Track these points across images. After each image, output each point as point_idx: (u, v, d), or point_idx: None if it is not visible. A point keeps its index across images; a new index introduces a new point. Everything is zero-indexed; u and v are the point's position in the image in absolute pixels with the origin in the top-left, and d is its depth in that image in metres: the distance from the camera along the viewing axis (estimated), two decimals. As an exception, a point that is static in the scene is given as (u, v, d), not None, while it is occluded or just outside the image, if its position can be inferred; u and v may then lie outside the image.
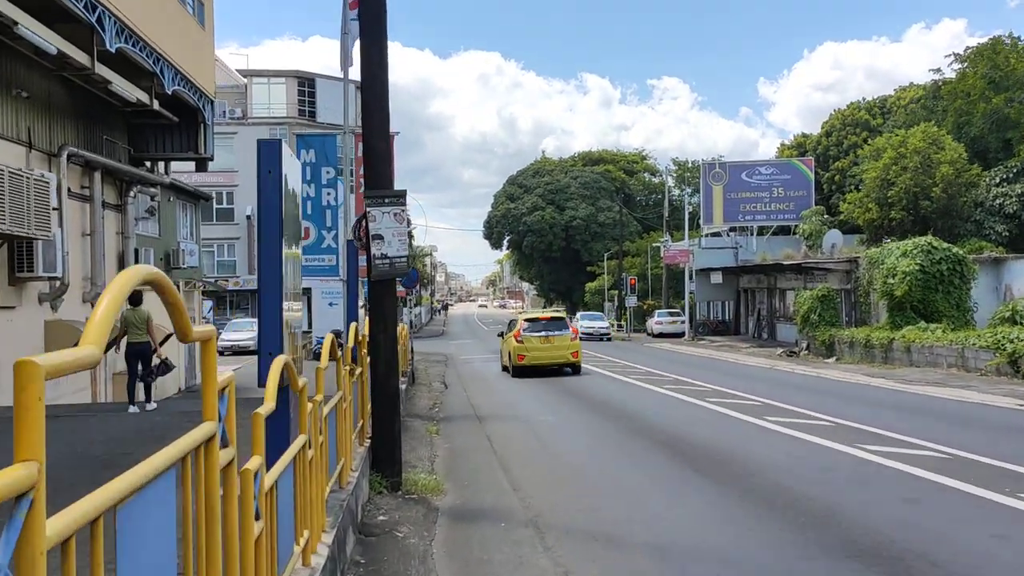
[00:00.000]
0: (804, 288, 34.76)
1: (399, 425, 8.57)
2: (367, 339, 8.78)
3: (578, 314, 49.09)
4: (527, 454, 11.11)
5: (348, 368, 7.36)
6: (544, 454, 11.08)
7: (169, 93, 17.11)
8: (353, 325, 8.58)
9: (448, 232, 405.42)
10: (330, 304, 36.94)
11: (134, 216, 20.04)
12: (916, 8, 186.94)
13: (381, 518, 7.37)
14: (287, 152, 6.71)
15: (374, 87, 8.63)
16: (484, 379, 24.34)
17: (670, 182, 64.08)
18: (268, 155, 6.04)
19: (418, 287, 68.93)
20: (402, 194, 8.63)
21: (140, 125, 20.16)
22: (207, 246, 55.17)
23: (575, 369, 24.19)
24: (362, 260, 10.46)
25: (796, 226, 44.25)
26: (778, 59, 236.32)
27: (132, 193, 19.51)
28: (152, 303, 21.22)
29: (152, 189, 20.46)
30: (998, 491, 7.72)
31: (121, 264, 19.33)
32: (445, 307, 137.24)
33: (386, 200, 8.47)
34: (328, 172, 16.31)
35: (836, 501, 7.64)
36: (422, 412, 16.24)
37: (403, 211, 8.59)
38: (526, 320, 25.18)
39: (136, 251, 19.67)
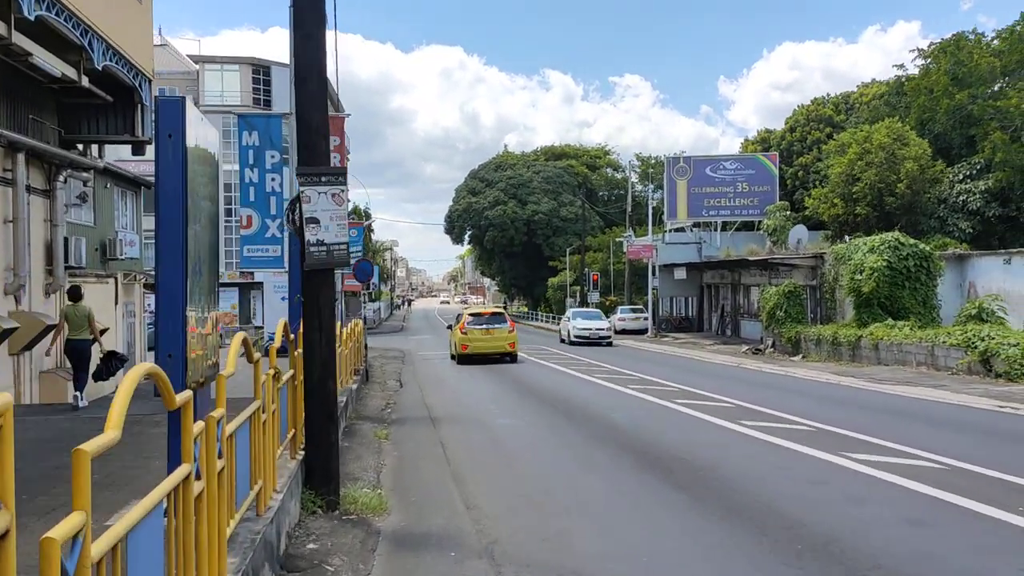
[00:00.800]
0: (769, 284, 34.19)
1: (337, 436, 7.50)
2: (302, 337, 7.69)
3: (569, 311, 47.57)
4: (484, 464, 10.09)
5: (272, 372, 6.27)
6: (502, 464, 10.07)
7: (99, 68, 15.75)
8: (282, 321, 7.48)
9: (410, 227, 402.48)
10: (282, 298, 35.64)
11: (64, 202, 18.63)
12: (871, 10, 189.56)
13: (311, 546, 6.31)
14: (195, 114, 5.58)
15: (308, 49, 7.53)
16: (440, 378, 23.29)
17: (633, 177, 63.47)
18: (168, 115, 5.08)
19: (377, 281, 67.57)
20: (341, 172, 7.55)
21: (72, 105, 18.73)
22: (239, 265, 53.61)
23: (512, 358, 27.40)
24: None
25: (760, 222, 43.75)
26: (738, 58, 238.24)
27: (62, 177, 18.10)
28: (92, 298, 19.83)
29: (85, 174, 19.05)
30: (1012, 511, 6.88)
31: (49, 253, 17.94)
32: (409, 302, 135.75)
33: (323, 179, 7.38)
34: (273, 156, 15.16)
35: (833, 523, 6.73)
36: (373, 414, 15.15)
37: (343, 192, 7.52)
38: (470, 315, 28.27)
39: (66, 240, 18.28)
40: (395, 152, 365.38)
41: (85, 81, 16.33)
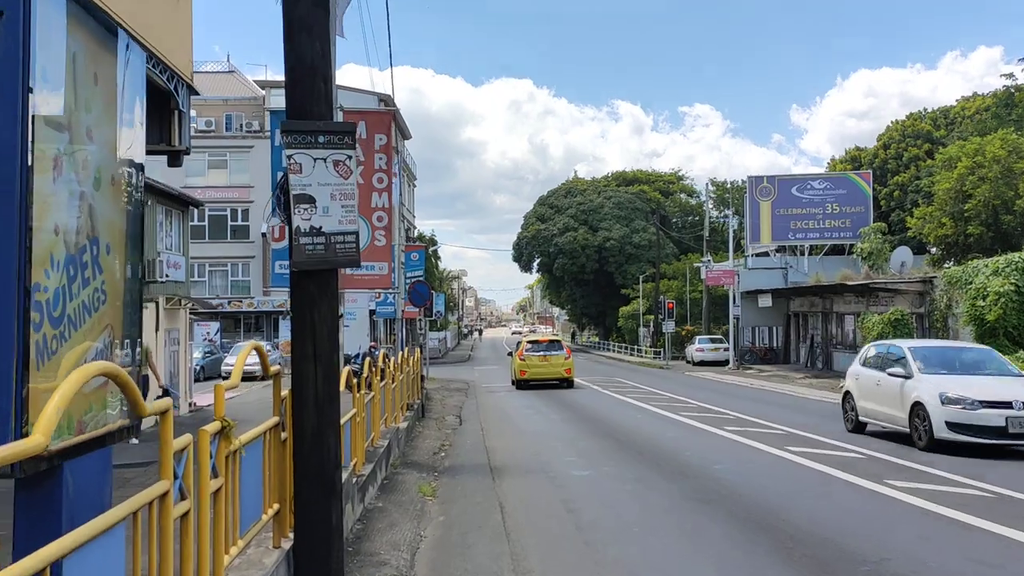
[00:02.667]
0: (867, 312, 30.94)
1: (340, 515, 5.13)
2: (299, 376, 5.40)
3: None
4: (555, 540, 7.63)
5: (223, 425, 3.96)
6: (583, 542, 7.58)
7: (122, 64, 13.99)
8: (247, 347, 5.22)
9: (479, 258, 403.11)
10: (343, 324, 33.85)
11: (94, 218, 16.94)
12: (951, 35, 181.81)
13: None
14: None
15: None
16: (505, 413, 20.87)
17: (708, 204, 60.40)
18: None
19: (443, 310, 65.73)
20: (348, 130, 5.31)
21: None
22: (220, 265, 52.61)
23: (568, 384, 28.10)
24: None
25: (853, 245, 40.38)
26: (811, 86, 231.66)
27: (89, 190, 16.41)
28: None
29: (117, 187, 17.36)
30: None
31: (74, 274, 16.23)
32: (479, 332, 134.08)
33: (320, 139, 5.15)
34: (309, 158, 13.03)
35: None
36: (423, 459, 12.82)
37: (350, 159, 5.26)
38: (528, 342, 29.43)
39: (93, 259, 16.50)
40: (465, 184, 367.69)
41: (108, 79, 14.63)
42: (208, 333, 41.81)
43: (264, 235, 50.75)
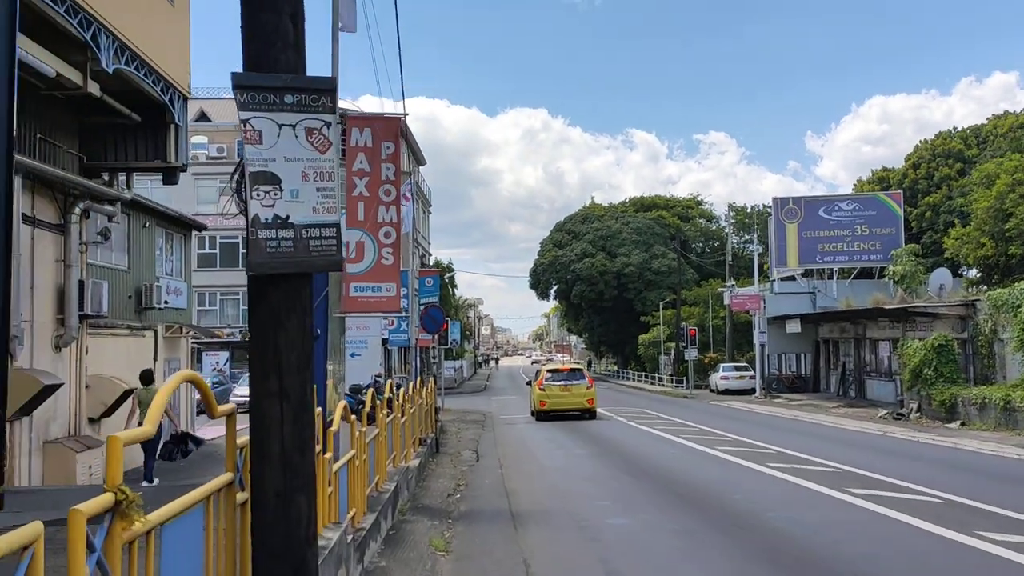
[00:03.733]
0: (905, 338, 29.36)
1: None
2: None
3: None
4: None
5: (118, 498, 2.61)
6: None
7: (108, 70, 12.85)
8: (176, 378, 3.88)
9: (494, 287, 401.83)
10: (351, 355, 32.47)
11: (83, 240, 15.83)
12: (965, 62, 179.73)
13: None
14: None
15: None
16: (526, 447, 19.43)
17: (729, 227, 58.96)
18: None
19: (459, 339, 64.31)
20: (326, 88, 3.99)
21: (95, 128, 16.07)
22: (232, 293, 51.49)
23: (591, 414, 26.43)
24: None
25: (884, 268, 38.82)
26: (825, 113, 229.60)
27: (78, 210, 15.30)
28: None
29: (108, 207, 16.19)
30: None
31: (61, 298, 15.06)
32: (496, 360, 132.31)
33: (287, 98, 3.83)
34: (309, 168, 11.79)
35: None
36: (435, 502, 11.44)
37: (328, 127, 3.96)
38: (548, 371, 28.07)
39: (81, 283, 15.36)
40: (480, 213, 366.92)
41: (94, 89, 13.46)
42: (217, 363, 40.65)
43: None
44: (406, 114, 11.97)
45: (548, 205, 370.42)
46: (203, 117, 51.21)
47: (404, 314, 23.89)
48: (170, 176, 16.75)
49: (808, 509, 10.12)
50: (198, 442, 13.02)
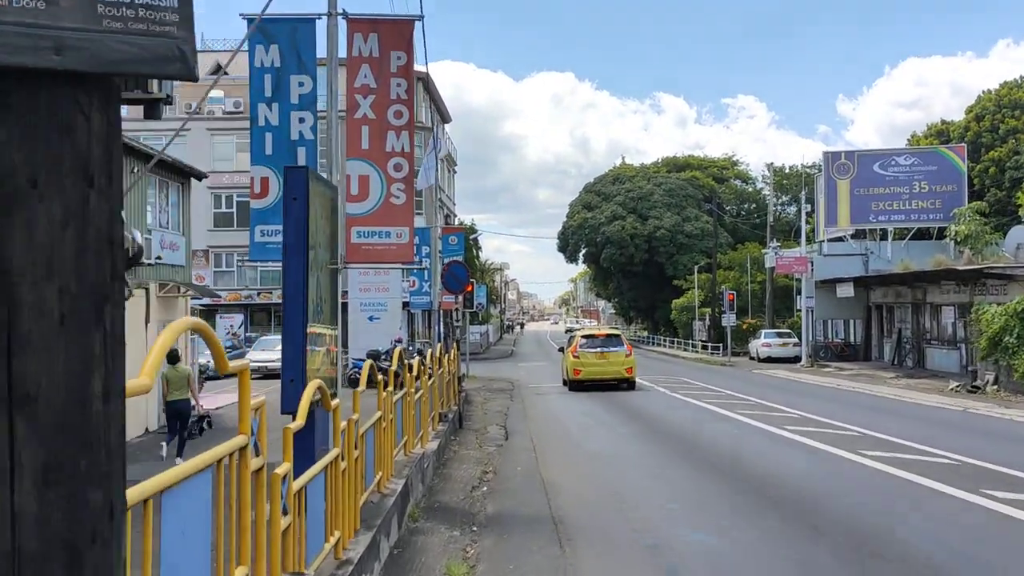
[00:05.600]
0: (979, 302, 26.66)
1: None
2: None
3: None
4: None
5: None
6: None
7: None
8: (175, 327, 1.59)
9: (520, 252, 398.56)
10: (370, 318, 30.30)
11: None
12: (1002, 23, 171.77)
13: None
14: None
15: None
16: (562, 424, 17.15)
17: (769, 187, 55.92)
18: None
19: (484, 303, 62.07)
20: None
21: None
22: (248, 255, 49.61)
23: (630, 384, 24.44)
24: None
25: (946, 228, 35.91)
26: (858, 76, 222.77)
27: (42, 146, 12.99)
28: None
29: (82, 145, 13.92)
30: None
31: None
32: (520, 325, 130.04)
33: None
34: (302, 83, 9.49)
35: None
36: (457, 500, 9.20)
37: None
38: (583, 336, 25.84)
39: (47, 232, 13.07)
40: (507, 178, 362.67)
41: None
42: (232, 326, 38.78)
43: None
44: (422, 16, 9.52)
45: (575, 171, 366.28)
46: (218, 69, 48.88)
47: (420, 266, 21.73)
48: (152, 109, 14.42)
49: (947, 522, 7.73)
50: (208, 422, 13.41)
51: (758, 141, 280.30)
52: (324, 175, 8.51)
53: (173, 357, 13.40)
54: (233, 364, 3.32)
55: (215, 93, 47.21)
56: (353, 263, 9.53)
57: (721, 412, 17.75)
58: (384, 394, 7.66)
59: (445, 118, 62.61)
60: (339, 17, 9.30)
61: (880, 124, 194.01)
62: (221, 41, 49.40)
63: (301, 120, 9.49)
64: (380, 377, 7.37)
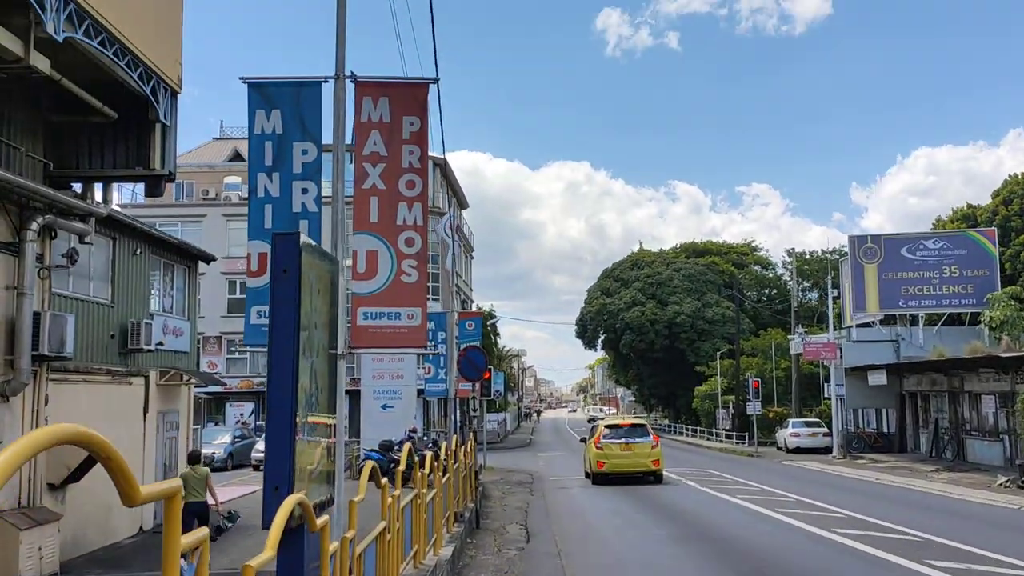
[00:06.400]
0: (1016, 391, 25.28)
1: None
2: None
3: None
4: None
5: None
6: None
7: (57, 39, 9.88)
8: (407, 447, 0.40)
9: (537, 339, 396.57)
10: (383, 407, 29.13)
11: (44, 263, 12.91)
12: (1011, 113, 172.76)
13: None
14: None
15: None
16: (588, 524, 15.79)
17: (791, 272, 54.89)
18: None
19: (502, 390, 60.60)
20: None
21: (66, 129, 13.25)
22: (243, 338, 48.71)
23: (657, 478, 23.34)
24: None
25: (980, 313, 34.67)
26: (870, 164, 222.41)
27: (35, 225, 12.37)
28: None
29: (79, 224, 13.22)
30: None
31: (11, 334, 12.04)
32: (537, 413, 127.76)
33: None
34: (306, 151, 8.70)
35: None
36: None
37: None
38: (606, 426, 24.78)
39: (37, 315, 12.32)
40: (524, 265, 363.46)
41: (42, 65, 10.49)
42: (242, 415, 37.66)
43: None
44: (436, 79, 8.77)
45: (591, 257, 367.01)
46: (237, 157, 49.10)
47: (434, 351, 20.68)
48: (154, 186, 13.74)
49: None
50: (234, 518, 13.42)
51: (773, 228, 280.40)
52: (327, 248, 7.61)
53: (194, 458, 13.36)
54: (147, 491, 2.41)
55: (231, 179, 47.27)
56: (359, 348, 8.54)
57: (760, 511, 16.34)
58: (390, 500, 6.55)
59: (462, 204, 62.59)
60: (347, 80, 8.56)
61: (894, 211, 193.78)
62: (239, 128, 49.66)
63: (304, 191, 8.66)
64: (384, 481, 6.28)
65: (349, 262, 8.83)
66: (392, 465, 13.44)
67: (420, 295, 8.67)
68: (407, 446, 7.99)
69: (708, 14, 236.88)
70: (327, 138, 8.52)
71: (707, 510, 16.95)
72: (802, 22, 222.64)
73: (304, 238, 5.52)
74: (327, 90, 8.66)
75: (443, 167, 51.43)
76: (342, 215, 8.44)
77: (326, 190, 8.56)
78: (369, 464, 5.76)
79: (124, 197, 47.22)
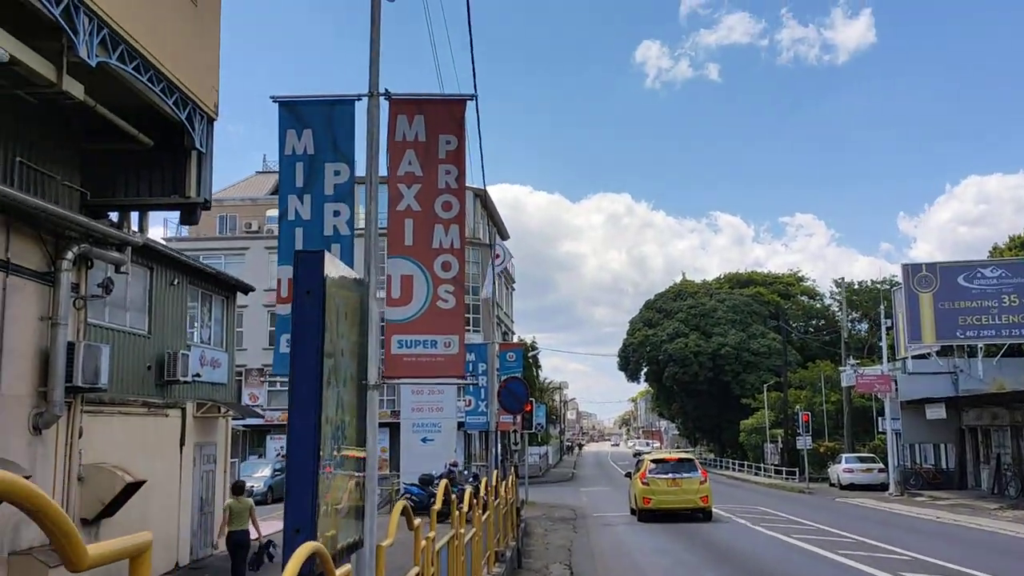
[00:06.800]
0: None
1: None
2: None
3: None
4: None
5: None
6: None
7: (91, 63, 9.71)
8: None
9: (578, 372, 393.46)
10: (423, 440, 28.64)
11: (80, 293, 12.70)
12: None
13: None
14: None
15: None
16: (638, 567, 15.04)
17: (841, 303, 53.43)
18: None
19: (544, 422, 59.79)
20: None
21: (102, 158, 13.09)
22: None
23: (706, 515, 22.55)
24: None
25: (1042, 343, 33.30)
26: (918, 193, 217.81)
27: (70, 255, 12.16)
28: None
29: (115, 254, 13.03)
30: None
31: (44, 365, 11.81)
32: (579, 446, 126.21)
33: None
34: (338, 172, 8.34)
35: None
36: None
37: None
38: (652, 461, 24.06)
39: (71, 346, 12.08)
40: (564, 298, 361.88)
41: (76, 91, 10.33)
42: (282, 448, 37.36)
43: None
44: (474, 95, 8.37)
45: (632, 289, 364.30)
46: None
47: (474, 382, 20.19)
48: (189, 214, 13.52)
49: None
50: (273, 547, 13.77)
51: (818, 258, 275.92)
52: (358, 274, 7.17)
53: (238, 489, 13.57)
54: (98, 551, 1.92)
55: (273, 212, 47.57)
56: (393, 378, 8.08)
57: (819, 552, 15.46)
58: (424, 542, 6.03)
59: (503, 235, 62.36)
60: (381, 97, 8.18)
61: (944, 241, 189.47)
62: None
63: (336, 213, 8.27)
64: (417, 522, 5.77)
65: (383, 291, 8.43)
66: (431, 500, 13.00)
67: (458, 322, 8.20)
68: (443, 482, 7.46)
69: (748, 45, 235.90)
70: (360, 159, 8.14)
71: (762, 551, 16.10)
72: (845, 51, 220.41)
73: (330, 257, 5.09)
74: (360, 110, 8.30)
75: (483, 198, 51.27)
76: (375, 238, 8.01)
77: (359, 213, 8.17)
78: (400, 504, 5.25)
79: (169, 231, 47.79)
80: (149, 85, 11.05)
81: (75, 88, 10.21)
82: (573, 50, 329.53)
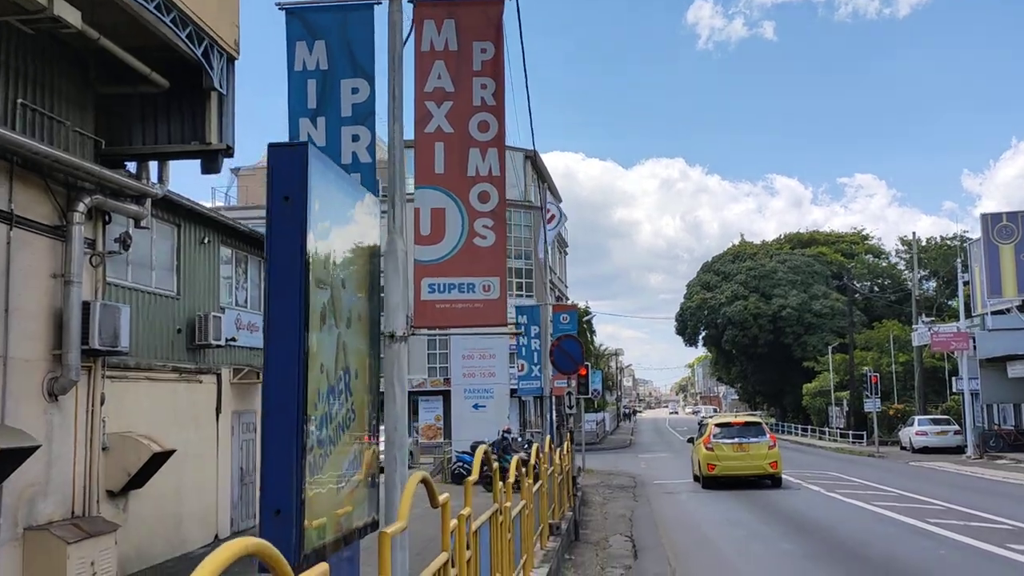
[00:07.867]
0: None
1: None
2: None
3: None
4: None
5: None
6: None
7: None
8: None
9: (634, 339, 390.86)
10: (475, 406, 27.67)
11: (98, 249, 11.75)
12: None
13: None
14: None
15: None
16: (706, 538, 13.77)
17: (913, 258, 50.77)
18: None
19: (600, 388, 58.60)
20: None
21: (116, 103, 12.04)
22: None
23: (775, 481, 21.26)
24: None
25: None
26: (982, 150, 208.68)
27: (82, 206, 11.16)
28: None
29: (133, 206, 12.02)
30: None
31: (58, 327, 10.87)
32: (634, 412, 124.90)
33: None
34: (356, 89, 7.11)
35: None
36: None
37: None
38: (717, 425, 22.57)
39: (86, 305, 11.11)
40: (619, 265, 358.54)
41: (70, 15, 9.25)
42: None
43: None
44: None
45: (687, 255, 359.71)
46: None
47: (520, 331, 18.95)
48: (210, 162, 12.48)
49: None
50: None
51: (879, 219, 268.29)
52: (383, 206, 5.93)
53: None
54: None
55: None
56: (423, 326, 6.91)
57: (908, 521, 13.99)
58: (454, 523, 4.85)
59: (556, 197, 60.87)
60: (404, 0, 6.91)
61: (1011, 198, 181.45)
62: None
63: (355, 138, 7.06)
64: (443, 497, 4.60)
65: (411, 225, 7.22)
66: (484, 469, 11.94)
67: (499, 261, 6.96)
68: (481, 447, 6.27)
69: (805, 1, 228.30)
70: (381, 74, 6.91)
71: (842, 520, 14.69)
72: (906, 3, 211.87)
73: (318, 154, 3.88)
74: (381, 15, 7.04)
75: (533, 159, 49.79)
76: (400, 165, 6.77)
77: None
78: (417, 475, 4.08)
79: (219, 200, 47.25)
80: (157, 14, 9.92)
81: (69, 14, 9.09)
82: (623, 14, 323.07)
